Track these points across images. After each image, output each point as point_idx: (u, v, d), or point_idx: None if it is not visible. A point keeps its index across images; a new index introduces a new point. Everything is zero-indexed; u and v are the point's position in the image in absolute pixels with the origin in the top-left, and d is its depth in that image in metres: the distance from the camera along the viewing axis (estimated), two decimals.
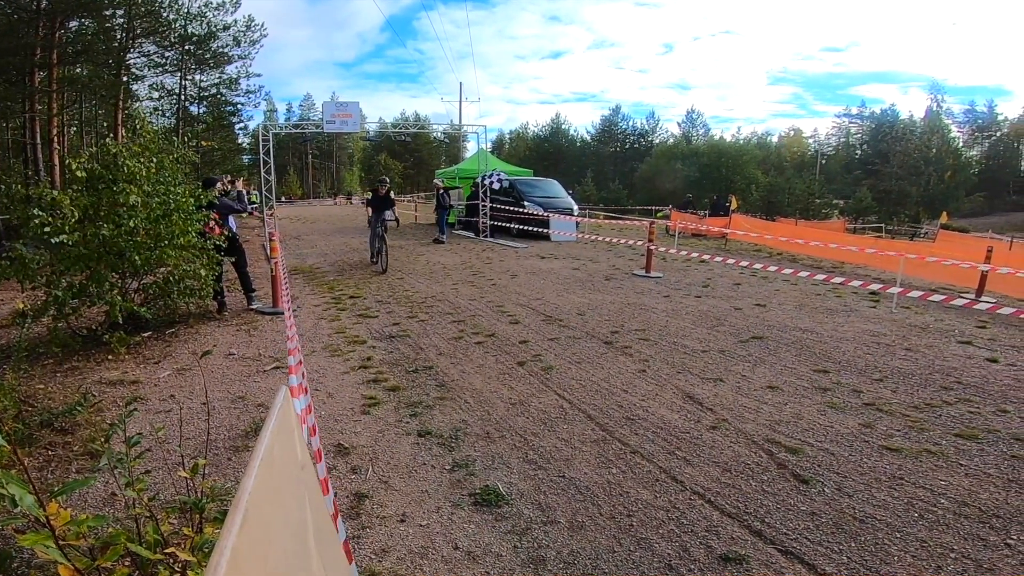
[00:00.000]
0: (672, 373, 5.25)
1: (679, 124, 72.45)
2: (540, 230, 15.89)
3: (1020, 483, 3.32)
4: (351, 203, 44.81)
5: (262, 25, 29.08)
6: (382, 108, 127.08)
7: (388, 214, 12.10)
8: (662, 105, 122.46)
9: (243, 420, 4.20)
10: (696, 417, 4.26)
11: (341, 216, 29.05)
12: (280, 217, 23.30)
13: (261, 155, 17.01)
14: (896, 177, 51.25)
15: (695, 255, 12.09)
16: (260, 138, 17.37)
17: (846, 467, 3.51)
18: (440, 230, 16.34)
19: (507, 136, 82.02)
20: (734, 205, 21.11)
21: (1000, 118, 60.34)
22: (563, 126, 75.45)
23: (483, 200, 17.47)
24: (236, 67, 29.71)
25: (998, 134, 60.03)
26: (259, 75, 30.30)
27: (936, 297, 7.55)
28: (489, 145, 21.37)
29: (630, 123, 73.70)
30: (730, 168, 57.47)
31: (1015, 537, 2.79)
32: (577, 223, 17.16)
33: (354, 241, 16.33)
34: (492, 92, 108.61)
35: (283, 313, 6.29)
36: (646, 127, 72.50)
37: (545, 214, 15.88)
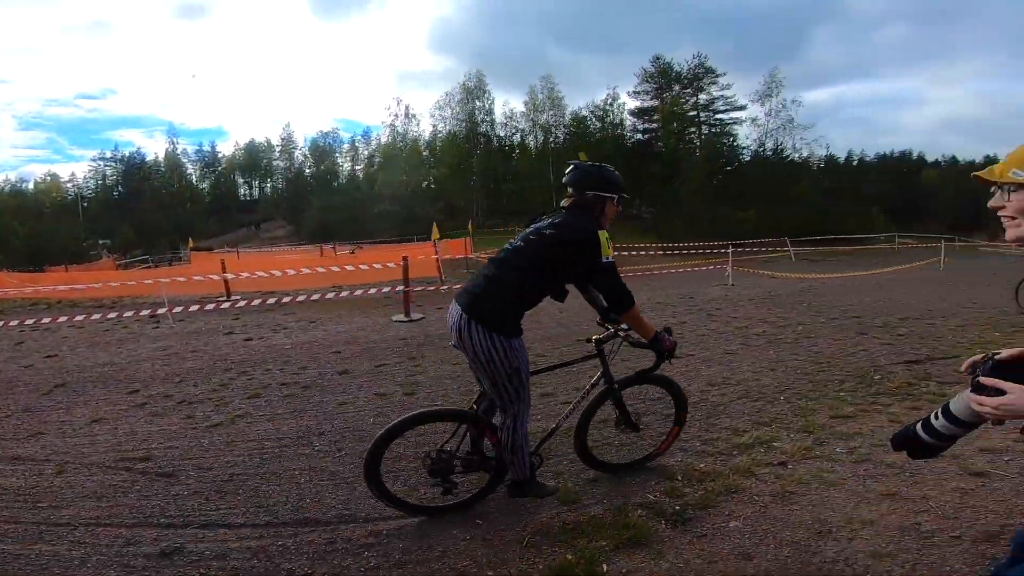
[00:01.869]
0: None
1: None
2: None
3: (303, 412, 4.32)
4: None
5: None
6: None
7: None
8: None
9: None
10: (38, 471, 3.50)
11: None
12: None
13: None
14: (151, 211, 49.18)
15: None
16: None
17: (191, 454, 3.63)
18: None
19: None
20: None
21: (220, 155, 64.74)
22: None
23: None
24: None
25: (221, 168, 64.77)
26: None
27: (202, 306, 8.42)
28: None
29: None
30: None
31: (319, 446, 3.88)
32: None
33: None
34: None
35: None
36: None
37: None
